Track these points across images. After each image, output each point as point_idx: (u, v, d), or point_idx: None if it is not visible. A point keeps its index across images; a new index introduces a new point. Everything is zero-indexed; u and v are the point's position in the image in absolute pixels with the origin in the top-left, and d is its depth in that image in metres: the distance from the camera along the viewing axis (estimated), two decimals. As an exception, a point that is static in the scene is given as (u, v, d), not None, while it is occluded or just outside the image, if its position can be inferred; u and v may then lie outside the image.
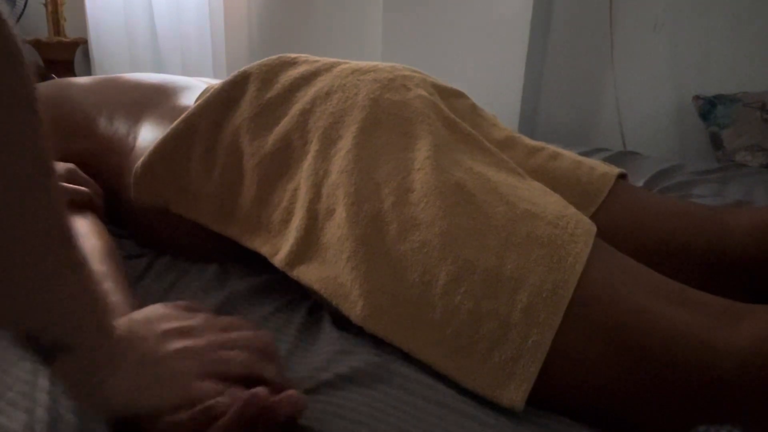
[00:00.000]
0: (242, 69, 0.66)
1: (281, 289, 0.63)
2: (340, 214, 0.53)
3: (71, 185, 0.67)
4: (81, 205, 0.67)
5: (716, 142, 1.61)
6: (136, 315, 0.44)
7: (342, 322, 0.55)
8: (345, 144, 0.56)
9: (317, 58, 0.67)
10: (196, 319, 0.45)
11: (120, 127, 0.76)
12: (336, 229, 0.53)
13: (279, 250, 0.58)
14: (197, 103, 0.66)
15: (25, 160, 0.31)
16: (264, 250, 0.59)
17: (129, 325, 0.41)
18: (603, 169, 0.68)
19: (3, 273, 0.32)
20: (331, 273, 0.53)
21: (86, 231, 0.62)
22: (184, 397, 0.39)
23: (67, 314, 0.35)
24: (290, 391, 0.40)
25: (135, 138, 0.73)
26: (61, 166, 0.69)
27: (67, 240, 0.35)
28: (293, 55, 0.68)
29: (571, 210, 0.52)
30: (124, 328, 0.40)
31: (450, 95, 0.68)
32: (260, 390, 0.38)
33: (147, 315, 0.44)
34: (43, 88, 0.86)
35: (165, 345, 0.41)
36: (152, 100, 0.77)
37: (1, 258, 0.31)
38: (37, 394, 0.42)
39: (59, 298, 0.34)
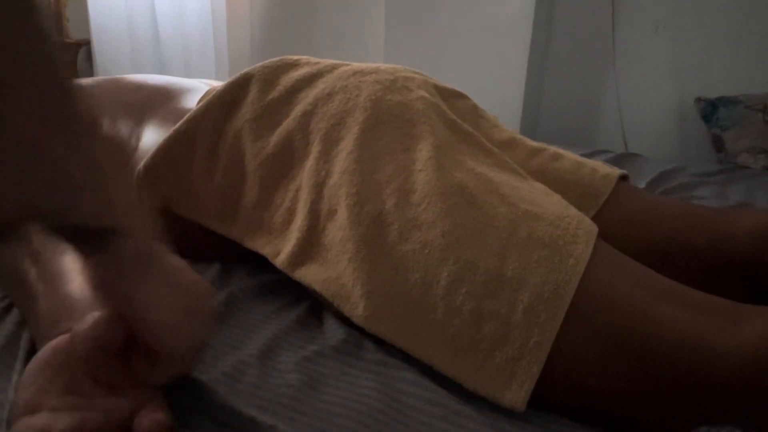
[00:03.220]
0: (244, 71, 0.66)
1: (283, 290, 0.63)
2: (342, 214, 0.53)
3: None
4: None
5: (718, 144, 1.61)
6: None
7: (343, 322, 0.55)
8: (347, 145, 0.56)
9: (319, 59, 0.68)
10: None
11: (122, 128, 0.76)
12: (338, 229, 0.54)
13: (281, 251, 0.58)
14: (199, 104, 0.67)
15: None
16: (266, 251, 0.60)
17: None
18: (605, 170, 0.68)
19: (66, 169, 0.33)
20: (332, 274, 0.53)
21: None
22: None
23: (119, 202, 0.38)
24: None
25: (137, 139, 0.73)
26: None
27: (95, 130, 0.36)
28: (295, 57, 0.68)
29: (573, 211, 0.52)
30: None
31: (451, 96, 0.68)
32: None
33: None
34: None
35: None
36: (155, 101, 0.77)
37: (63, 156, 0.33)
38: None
39: (106, 186, 0.37)
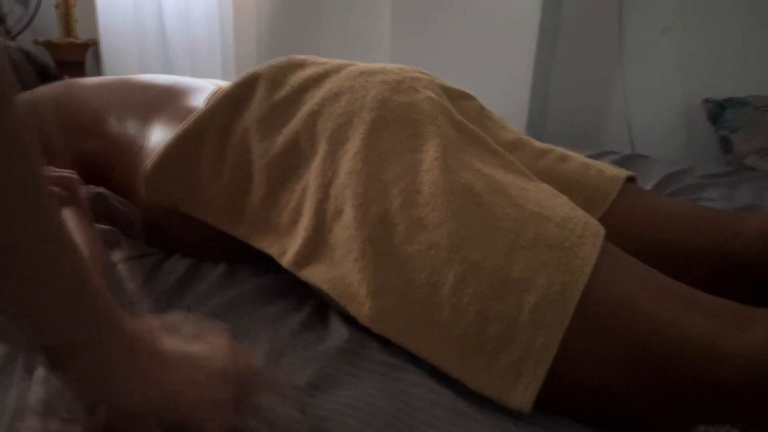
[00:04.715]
0: (251, 70, 0.66)
1: (288, 290, 0.63)
2: (348, 214, 0.53)
3: None
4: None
5: (726, 145, 1.60)
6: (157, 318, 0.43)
7: (349, 323, 0.55)
8: (353, 145, 0.56)
9: (326, 59, 0.68)
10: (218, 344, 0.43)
11: (130, 127, 0.77)
12: (344, 229, 0.54)
13: (287, 251, 0.58)
14: (207, 104, 0.67)
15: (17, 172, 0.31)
16: (272, 250, 0.60)
17: (145, 323, 0.41)
18: (612, 171, 0.68)
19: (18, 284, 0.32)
20: (338, 273, 0.54)
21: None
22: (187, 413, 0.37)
23: (76, 311, 0.34)
24: None
25: (145, 138, 0.74)
26: None
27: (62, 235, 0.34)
28: (302, 57, 0.68)
29: (580, 212, 0.52)
30: (138, 324, 0.39)
31: (458, 97, 0.68)
32: None
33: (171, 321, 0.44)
34: (55, 88, 0.87)
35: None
36: (162, 101, 0.77)
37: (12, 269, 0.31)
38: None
39: (69, 298, 0.34)
